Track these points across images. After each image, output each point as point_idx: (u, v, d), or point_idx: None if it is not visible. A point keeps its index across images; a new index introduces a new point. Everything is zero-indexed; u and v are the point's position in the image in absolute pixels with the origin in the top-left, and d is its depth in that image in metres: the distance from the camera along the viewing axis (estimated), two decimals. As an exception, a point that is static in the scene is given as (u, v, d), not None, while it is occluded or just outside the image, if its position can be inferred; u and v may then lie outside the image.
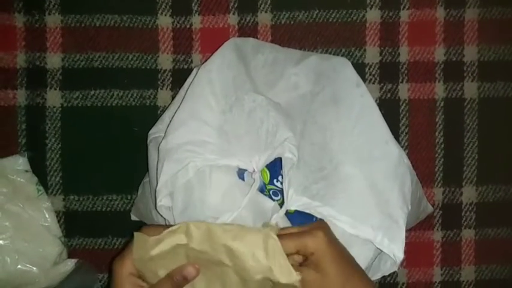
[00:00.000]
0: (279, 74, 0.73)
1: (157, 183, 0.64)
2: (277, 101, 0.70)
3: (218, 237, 0.51)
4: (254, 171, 0.64)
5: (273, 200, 0.66)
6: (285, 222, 0.63)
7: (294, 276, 0.50)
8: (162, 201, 0.65)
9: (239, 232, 0.51)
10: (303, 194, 0.63)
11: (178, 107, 0.69)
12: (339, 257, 0.52)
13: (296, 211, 0.65)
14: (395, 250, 0.62)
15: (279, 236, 0.51)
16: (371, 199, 0.64)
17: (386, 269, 0.66)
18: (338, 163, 0.65)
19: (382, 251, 0.64)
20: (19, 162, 0.84)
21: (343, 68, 0.72)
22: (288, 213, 0.65)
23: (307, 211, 0.63)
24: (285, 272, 0.50)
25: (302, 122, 0.69)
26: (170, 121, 0.69)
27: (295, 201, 0.62)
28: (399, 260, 0.63)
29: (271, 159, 0.66)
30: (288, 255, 0.51)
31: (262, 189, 0.67)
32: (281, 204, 0.65)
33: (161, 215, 0.66)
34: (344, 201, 0.63)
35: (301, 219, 0.65)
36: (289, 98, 0.72)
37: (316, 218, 0.66)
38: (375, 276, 0.67)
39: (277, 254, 0.50)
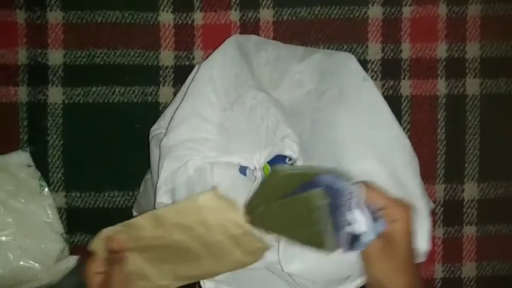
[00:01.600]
0: (282, 72, 0.73)
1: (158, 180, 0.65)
2: (283, 99, 0.70)
3: (165, 219, 0.54)
4: (255, 168, 0.64)
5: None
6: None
7: (244, 227, 0.52)
8: (162, 198, 0.65)
9: (178, 207, 0.54)
10: None
11: (180, 104, 0.69)
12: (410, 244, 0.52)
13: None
14: (422, 241, 0.62)
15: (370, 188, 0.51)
16: (393, 191, 0.63)
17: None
18: (354, 159, 0.65)
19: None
20: (22, 158, 0.84)
21: (347, 64, 0.72)
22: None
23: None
24: (236, 224, 0.53)
25: (310, 120, 0.68)
26: (171, 118, 0.69)
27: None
28: (425, 250, 0.62)
29: (272, 156, 0.65)
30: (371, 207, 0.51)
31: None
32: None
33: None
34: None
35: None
36: (294, 96, 0.71)
37: None
38: None
39: (221, 210, 0.53)
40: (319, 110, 0.69)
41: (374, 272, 0.53)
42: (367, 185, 0.52)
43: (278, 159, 0.67)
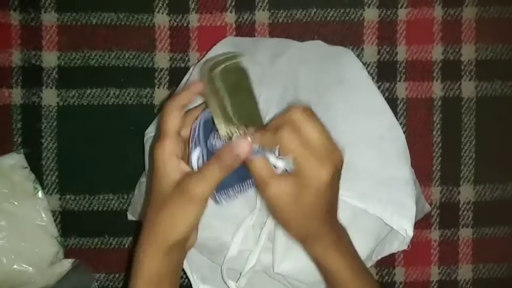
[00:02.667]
0: (284, 49, 0.72)
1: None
2: (283, 71, 0.69)
3: None
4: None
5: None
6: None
7: None
8: None
9: None
10: None
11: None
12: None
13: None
14: (406, 227, 0.61)
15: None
16: (379, 177, 0.63)
17: (394, 248, 0.66)
18: (347, 143, 0.65)
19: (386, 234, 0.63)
20: (16, 160, 0.83)
21: (346, 55, 0.72)
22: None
23: None
24: None
25: (306, 102, 0.68)
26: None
27: None
28: (409, 237, 0.62)
29: None
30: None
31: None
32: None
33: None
34: (351, 179, 0.62)
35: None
36: (295, 71, 0.70)
37: None
38: (382, 253, 0.66)
39: None
40: (316, 91, 0.69)
41: (281, 217, 0.46)
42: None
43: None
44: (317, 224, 0.47)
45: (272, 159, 0.45)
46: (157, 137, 0.48)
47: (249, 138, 0.44)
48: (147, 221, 0.48)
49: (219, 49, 0.73)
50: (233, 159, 0.44)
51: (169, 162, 0.47)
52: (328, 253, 0.48)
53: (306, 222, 0.46)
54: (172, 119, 0.48)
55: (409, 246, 0.64)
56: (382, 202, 0.61)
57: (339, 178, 0.46)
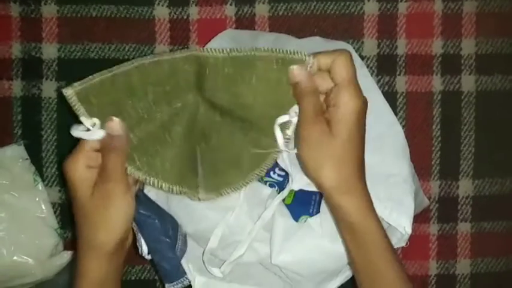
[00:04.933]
0: (282, 45, 0.72)
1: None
2: None
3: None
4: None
5: (270, 192, 0.66)
6: (282, 210, 0.63)
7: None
8: (151, 191, 0.64)
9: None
10: None
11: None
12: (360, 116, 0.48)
13: (293, 202, 0.65)
14: (405, 224, 0.61)
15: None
16: (378, 174, 0.63)
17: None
18: None
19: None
20: (16, 152, 0.84)
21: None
22: (285, 204, 0.65)
23: (312, 189, 0.62)
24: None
25: None
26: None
27: (299, 181, 0.61)
28: (408, 234, 0.62)
29: None
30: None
31: (259, 181, 0.66)
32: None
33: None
34: None
35: (298, 210, 0.65)
36: None
37: (314, 203, 0.66)
38: None
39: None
40: None
41: (305, 157, 0.48)
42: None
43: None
44: (351, 170, 0.48)
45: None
46: (72, 151, 0.49)
47: (295, 68, 0.49)
48: (80, 232, 0.49)
49: (219, 42, 0.73)
50: None
51: (84, 177, 0.48)
52: (361, 208, 0.49)
53: (340, 165, 0.47)
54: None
55: (407, 243, 0.64)
56: (381, 199, 0.61)
57: (364, 120, 0.49)
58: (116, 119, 0.48)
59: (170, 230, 0.58)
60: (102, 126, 0.49)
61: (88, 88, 0.49)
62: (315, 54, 0.50)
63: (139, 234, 0.56)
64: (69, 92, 0.49)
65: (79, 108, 0.49)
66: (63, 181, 0.83)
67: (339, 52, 0.49)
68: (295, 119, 0.51)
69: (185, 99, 0.54)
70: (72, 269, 0.83)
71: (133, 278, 0.87)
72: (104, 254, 0.49)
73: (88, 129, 0.49)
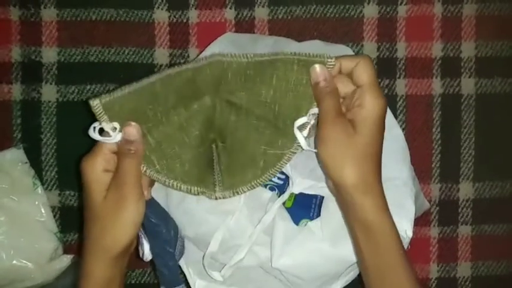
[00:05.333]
0: (281, 48, 0.72)
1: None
2: None
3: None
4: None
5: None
6: (283, 214, 0.63)
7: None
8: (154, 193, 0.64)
9: None
10: (308, 177, 0.63)
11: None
12: (381, 118, 0.50)
13: (294, 206, 0.65)
14: (406, 227, 0.61)
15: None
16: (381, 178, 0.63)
17: None
18: None
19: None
20: (15, 155, 0.83)
21: (346, 53, 0.72)
22: (286, 207, 0.64)
23: (313, 192, 0.62)
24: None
25: None
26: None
27: (299, 185, 0.61)
28: (409, 238, 0.62)
29: None
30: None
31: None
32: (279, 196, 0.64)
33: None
34: None
35: (299, 214, 0.65)
36: None
37: (314, 207, 0.66)
38: None
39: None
40: None
41: (326, 156, 0.49)
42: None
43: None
44: (371, 169, 0.49)
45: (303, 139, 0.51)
46: (90, 151, 0.50)
47: (318, 67, 0.51)
48: (88, 233, 0.50)
49: (218, 45, 0.73)
50: None
51: (100, 179, 0.49)
52: (379, 207, 0.49)
53: (362, 164, 0.48)
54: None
55: (408, 247, 0.64)
56: None
57: (384, 122, 0.50)
58: (133, 124, 0.49)
59: (174, 239, 0.59)
60: (120, 131, 0.49)
61: (114, 99, 0.50)
62: (338, 57, 0.52)
63: (143, 238, 0.57)
64: (95, 103, 0.49)
65: (102, 116, 0.49)
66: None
67: (362, 56, 0.51)
68: (313, 121, 0.52)
69: (202, 101, 0.55)
70: (71, 273, 0.83)
71: (133, 281, 0.87)
72: (110, 257, 0.49)
73: (105, 132, 0.49)
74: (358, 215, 0.50)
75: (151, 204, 0.56)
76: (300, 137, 0.52)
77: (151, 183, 0.54)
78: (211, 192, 0.55)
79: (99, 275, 0.49)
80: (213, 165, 0.56)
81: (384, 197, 0.51)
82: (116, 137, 0.49)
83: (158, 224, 0.56)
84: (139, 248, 0.58)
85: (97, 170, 0.49)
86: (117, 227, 0.48)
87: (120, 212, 0.48)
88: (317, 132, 0.51)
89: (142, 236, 0.56)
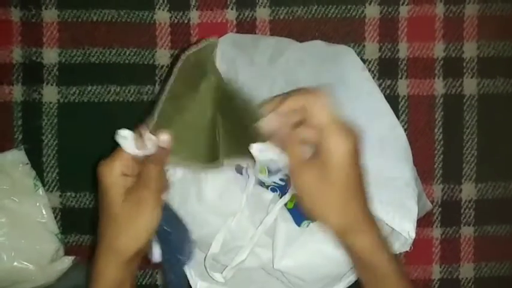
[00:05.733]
0: (283, 49, 0.72)
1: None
2: (281, 72, 0.69)
3: None
4: (248, 165, 0.63)
5: (272, 196, 0.65)
6: (284, 215, 0.63)
7: None
8: None
9: None
10: None
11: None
12: (354, 159, 0.46)
13: (295, 207, 0.65)
14: (408, 228, 0.61)
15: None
16: (381, 178, 0.63)
17: (395, 249, 0.64)
18: None
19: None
20: (17, 156, 0.83)
21: (347, 54, 0.72)
22: (288, 208, 0.64)
23: None
24: None
25: None
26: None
27: None
28: (411, 239, 0.61)
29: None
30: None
31: (261, 186, 0.66)
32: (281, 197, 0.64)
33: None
34: None
35: (301, 215, 0.64)
36: (294, 72, 0.70)
37: None
38: None
39: None
40: None
41: (306, 206, 0.47)
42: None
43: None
44: (357, 209, 0.47)
45: (272, 154, 0.47)
46: (109, 156, 0.49)
47: (272, 115, 0.47)
48: (102, 235, 0.50)
49: (220, 46, 0.73)
50: None
51: (118, 183, 0.48)
52: (373, 244, 0.48)
53: (346, 208, 0.46)
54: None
55: (411, 247, 0.63)
56: (383, 204, 0.61)
57: (359, 157, 0.47)
58: (167, 134, 0.49)
59: (184, 245, 0.59)
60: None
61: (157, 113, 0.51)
62: (283, 96, 0.47)
63: (154, 241, 0.56)
64: (150, 126, 0.50)
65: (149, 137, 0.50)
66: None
67: (311, 94, 0.46)
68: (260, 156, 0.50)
69: (207, 78, 0.55)
70: (72, 275, 0.83)
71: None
72: (122, 260, 0.49)
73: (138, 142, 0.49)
74: (353, 254, 0.49)
75: (164, 208, 0.56)
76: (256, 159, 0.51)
77: (167, 187, 0.53)
78: (218, 164, 0.55)
79: (111, 277, 0.50)
80: (218, 145, 0.56)
81: (378, 229, 0.49)
82: (151, 149, 0.49)
83: (170, 232, 0.56)
84: (150, 251, 0.58)
85: (116, 173, 0.49)
86: (132, 230, 0.49)
87: (137, 216, 0.48)
88: (291, 181, 0.48)
89: (154, 238, 0.56)
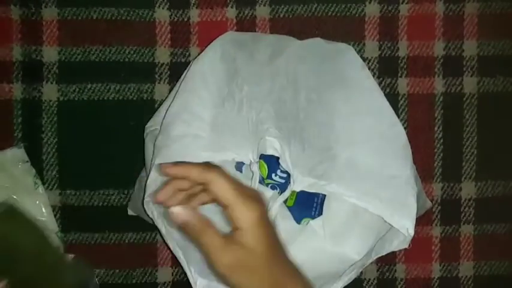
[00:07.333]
0: (284, 47, 0.72)
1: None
2: (281, 70, 0.69)
3: None
4: (251, 162, 0.63)
5: (271, 194, 0.65)
6: (284, 213, 0.63)
7: None
8: (150, 197, 0.64)
9: None
10: (309, 175, 0.62)
11: (172, 101, 0.69)
12: (268, 233, 0.46)
13: (295, 204, 0.65)
14: (407, 226, 0.61)
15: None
16: (380, 175, 0.63)
17: (393, 246, 0.65)
18: (346, 142, 0.65)
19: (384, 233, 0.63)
20: (17, 154, 0.83)
21: (347, 52, 0.72)
22: (287, 206, 0.64)
23: (314, 190, 0.62)
24: None
25: (306, 101, 0.68)
26: (164, 115, 0.69)
27: (300, 183, 0.61)
28: (410, 236, 0.62)
29: (259, 153, 0.65)
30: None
31: (260, 183, 0.66)
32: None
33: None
34: (352, 178, 0.62)
35: (300, 212, 0.65)
36: (294, 70, 0.70)
37: (316, 205, 0.66)
38: (381, 252, 0.66)
39: None
40: (316, 90, 0.68)
41: (235, 281, 0.46)
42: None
43: (273, 156, 0.66)
44: (281, 272, 0.47)
45: None
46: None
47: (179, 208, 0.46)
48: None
49: (219, 44, 0.73)
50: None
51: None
52: None
53: (267, 269, 0.46)
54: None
55: (409, 245, 0.63)
56: (383, 201, 0.61)
57: (267, 220, 0.47)
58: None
59: None
60: None
61: None
62: (187, 165, 0.48)
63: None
64: None
65: None
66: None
67: (212, 170, 0.46)
68: None
69: None
70: (71, 273, 0.82)
71: (134, 281, 0.87)
72: None
73: None
74: None
75: None
76: None
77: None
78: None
79: None
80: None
81: (302, 281, 0.49)
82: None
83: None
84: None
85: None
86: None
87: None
88: (212, 270, 0.47)
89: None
